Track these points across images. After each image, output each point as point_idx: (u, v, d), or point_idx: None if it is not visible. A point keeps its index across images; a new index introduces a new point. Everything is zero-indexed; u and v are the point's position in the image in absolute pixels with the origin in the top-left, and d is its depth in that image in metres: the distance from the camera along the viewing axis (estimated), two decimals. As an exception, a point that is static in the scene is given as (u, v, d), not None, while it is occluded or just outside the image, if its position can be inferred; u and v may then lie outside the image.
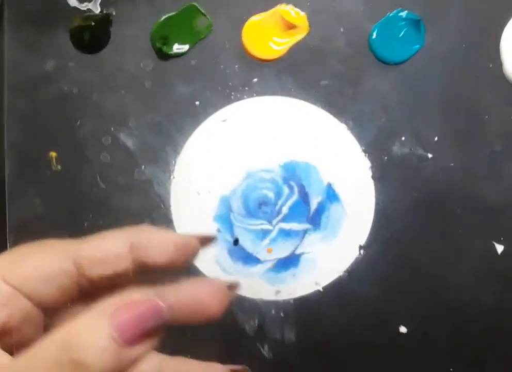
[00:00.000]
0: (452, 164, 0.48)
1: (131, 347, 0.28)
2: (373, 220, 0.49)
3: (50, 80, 0.49)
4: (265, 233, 0.49)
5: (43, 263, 0.33)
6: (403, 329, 0.48)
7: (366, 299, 0.48)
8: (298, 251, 0.49)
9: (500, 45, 0.48)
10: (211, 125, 0.49)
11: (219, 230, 0.49)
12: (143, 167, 0.49)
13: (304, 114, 0.49)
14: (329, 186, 0.49)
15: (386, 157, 0.49)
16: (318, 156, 0.49)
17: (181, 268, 0.36)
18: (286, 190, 0.49)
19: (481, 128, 0.48)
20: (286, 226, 0.49)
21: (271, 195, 0.49)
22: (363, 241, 0.49)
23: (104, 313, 0.28)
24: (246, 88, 0.49)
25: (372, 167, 0.49)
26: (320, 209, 0.49)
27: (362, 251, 0.48)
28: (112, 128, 0.49)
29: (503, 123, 0.48)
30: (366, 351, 0.48)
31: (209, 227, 0.49)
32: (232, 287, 0.36)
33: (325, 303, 0.49)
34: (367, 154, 0.49)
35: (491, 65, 0.48)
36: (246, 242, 0.49)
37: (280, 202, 0.49)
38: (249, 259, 0.49)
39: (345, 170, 0.49)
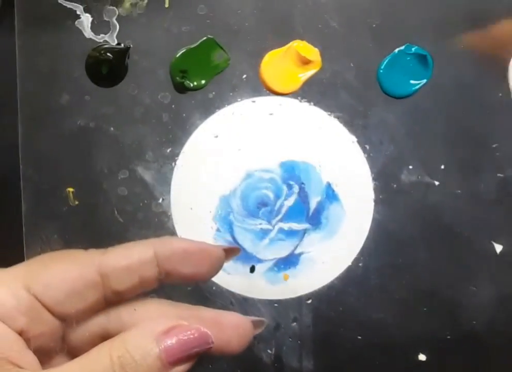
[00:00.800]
0: (459, 191, 0.51)
1: (174, 367, 0.30)
2: (372, 221, 0.50)
3: (66, 114, 0.49)
4: (264, 232, 0.49)
5: (67, 274, 0.33)
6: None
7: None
8: (297, 251, 0.49)
9: (508, 72, 0.50)
10: (212, 125, 0.50)
11: (218, 230, 0.49)
12: (160, 200, 0.49)
13: (304, 114, 0.50)
14: (329, 186, 0.50)
15: (395, 185, 0.51)
16: (318, 156, 0.50)
17: (205, 279, 0.37)
18: (285, 190, 0.49)
19: (489, 156, 0.50)
20: (286, 225, 0.49)
21: (270, 194, 0.49)
22: (362, 241, 0.50)
23: (153, 334, 0.30)
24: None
25: (382, 193, 0.50)
26: (320, 209, 0.49)
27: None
28: (129, 162, 0.49)
29: None
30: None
31: (209, 227, 0.49)
32: (257, 324, 0.37)
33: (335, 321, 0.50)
34: (376, 182, 0.50)
35: (500, 94, 0.50)
36: (246, 242, 0.49)
37: (279, 202, 0.49)
38: (249, 258, 0.49)
39: (344, 170, 0.50)
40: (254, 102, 0.50)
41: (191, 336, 0.31)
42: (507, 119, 0.51)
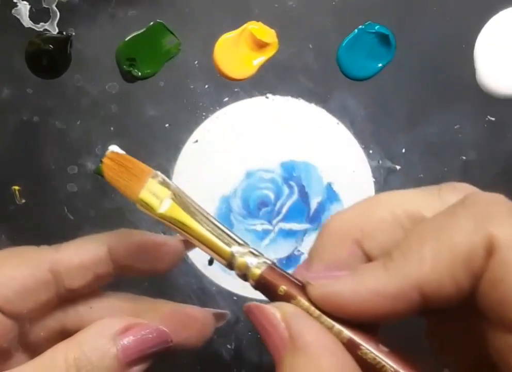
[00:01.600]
0: (421, 175, 0.50)
1: (132, 367, 0.29)
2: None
3: (8, 109, 0.46)
4: (264, 233, 0.49)
5: (17, 272, 0.31)
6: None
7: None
8: (297, 251, 0.49)
9: (474, 52, 0.49)
10: (211, 125, 0.48)
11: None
12: (112, 195, 0.47)
13: (304, 114, 0.49)
14: (329, 186, 0.49)
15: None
16: (318, 156, 0.49)
17: (162, 273, 0.35)
18: (286, 190, 0.49)
19: (452, 138, 0.49)
20: (286, 225, 0.49)
21: (271, 195, 0.49)
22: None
23: (110, 334, 0.29)
24: (218, 108, 0.48)
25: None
26: (320, 209, 0.49)
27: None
28: (78, 157, 0.47)
29: (476, 131, 0.49)
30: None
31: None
32: (219, 317, 0.36)
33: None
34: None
35: (464, 75, 0.49)
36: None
37: (279, 202, 0.49)
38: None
39: (345, 170, 0.49)
40: (253, 102, 0.48)
41: (150, 335, 0.30)
42: (470, 99, 0.49)
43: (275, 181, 0.49)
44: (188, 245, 0.35)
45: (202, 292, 0.48)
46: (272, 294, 0.26)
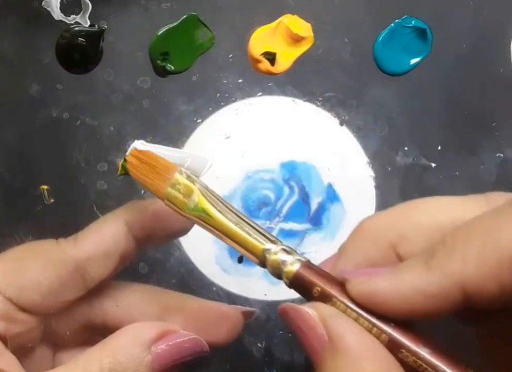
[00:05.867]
0: (457, 173, 0.49)
1: None
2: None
3: (37, 105, 0.45)
4: None
5: (43, 275, 0.31)
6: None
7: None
8: (298, 252, 0.48)
9: (511, 48, 0.48)
10: (211, 125, 0.47)
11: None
12: (142, 192, 0.46)
13: (304, 114, 0.48)
14: (329, 186, 0.48)
15: (389, 168, 0.48)
16: (318, 156, 0.48)
17: (181, 235, 0.35)
18: (286, 190, 0.48)
19: (488, 135, 0.48)
20: (286, 226, 0.48)
21: (271, 195, 0.48)
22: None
23: (144, 342, 0.29)
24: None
25: (376, 178, 0.48)
26: (321, 209, 0.48)
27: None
28: (108, 154, 0.45)
29: (512, 129, 0.49)
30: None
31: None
32: (247, 314, 0.36)
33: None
34: (370, 165, 0.48)
35: (501, 70, 0.47)
36: (247, 242, 0.48)
37: (280, 203, 0.48)
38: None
39: (345, 170, 0.48)
40: (252, 103, 0.47)
41: (185, 345, 0.30)
42: (508, 96, 0.48)
43: (276, 181, 0.48)
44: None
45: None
46: (307, 292, 0.26)
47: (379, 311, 0.24)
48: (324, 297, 0.25)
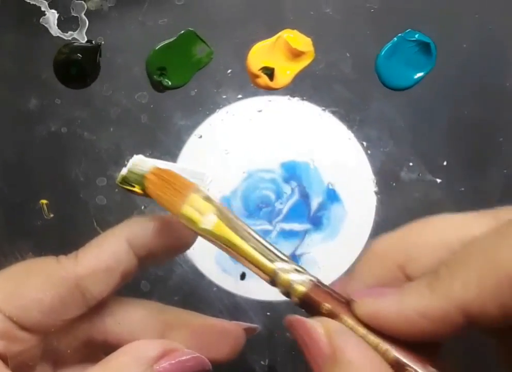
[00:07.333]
0: (462, 189, 0.48)
1: None
2: (374, 221, 0.48)
3: (35, 119, 0.45)
4: (265, 233, 0.48)
5: (43, 294, 0.31)
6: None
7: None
8: (298, 252, 0.48)
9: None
10: (211, 125, 0.47)
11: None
12: (142, 207, 0.46)
13: (304, 114, 0.48)
14: (330, 186, 0.48)
15: (394, 184, 0.48)
16: (319, 156, 0.48)
17: (181, 252, 0.36)
18: (286, 190, 0.48)
19: (494, 151, 0.47)
20: (287, 226, 0.48)
21: (271, 195, 0.48)
22: (364, 242, 0.48)
23: (148, 361, 0.29)
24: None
25: (379, 193, 0.48)
26: (321, 209, 0.48)
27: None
28: (107, 168, 0.46)
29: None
30: None
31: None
32: (249, 331, 0.35)
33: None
34: (375, 181, 0.48)
35: (507, 84, 0.47)
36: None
37: (280, 203, 0.48)
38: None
39: (346, 171, 0.48)
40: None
41: (188, 364, 0.29)
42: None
43: (276, 181, 0.48)
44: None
45: (234, 307, 0.47)
46: (316, 312, 0.26)
47: (384, 331, 0.24)
48: (333, 317, 0.25)
